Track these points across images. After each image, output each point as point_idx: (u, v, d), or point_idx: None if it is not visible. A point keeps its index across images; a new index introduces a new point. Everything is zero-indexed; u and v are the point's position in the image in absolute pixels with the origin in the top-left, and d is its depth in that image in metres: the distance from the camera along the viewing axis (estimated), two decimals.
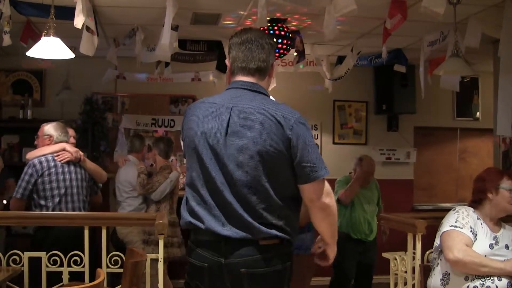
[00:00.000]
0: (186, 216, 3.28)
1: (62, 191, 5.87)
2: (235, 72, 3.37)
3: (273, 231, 3.13)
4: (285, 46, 7.11)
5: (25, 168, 5.90)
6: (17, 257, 5.17)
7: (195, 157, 3.24)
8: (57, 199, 5.84)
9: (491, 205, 4.54)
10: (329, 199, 3.25)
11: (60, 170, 5.93)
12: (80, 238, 5.19)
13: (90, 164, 6.22)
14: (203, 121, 3.23)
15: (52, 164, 5.93)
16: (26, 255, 5.19)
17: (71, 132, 6.52)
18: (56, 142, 6.08)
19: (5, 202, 6.90)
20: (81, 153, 6.10)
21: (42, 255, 5.19)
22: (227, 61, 3.43)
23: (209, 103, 3.28)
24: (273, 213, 3.14)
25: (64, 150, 6.01)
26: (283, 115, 3.14)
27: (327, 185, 3.24)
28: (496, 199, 4.52)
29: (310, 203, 3.25)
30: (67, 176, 5.94)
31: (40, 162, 5.91)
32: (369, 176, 7.52)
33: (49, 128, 6.18)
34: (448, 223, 4.39)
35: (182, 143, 3.41)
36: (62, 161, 5.96)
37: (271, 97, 3.37)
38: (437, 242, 4.49)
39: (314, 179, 3.16)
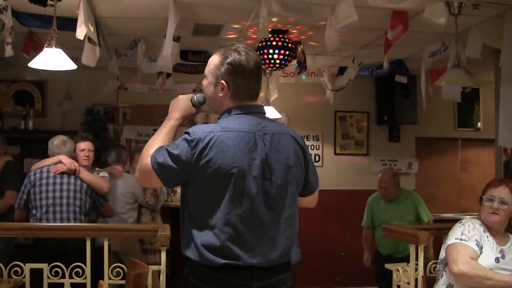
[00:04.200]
0: (213, 254, 3.00)
1: (50, 201, 5.99)
2: (241, 97, 3.16)
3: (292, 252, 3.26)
4: (286, 57, 7.11)
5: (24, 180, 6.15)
6: (18, 269, 5.16)
7: (231, 189, 3.00)
8: (44, 209, 5.97)
9: (481, 216, 4.50)
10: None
11: (51, 181, 6.07)
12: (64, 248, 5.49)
13: (87, 176, 6.24)
14: (241, 151, 3.01)
15: (44, 175, 6.09)
16: (27, 267, 5.18)
17: (84, 145, 6.59)
18: (53, 154, 6.20)
19: None
20: (76, 164, 6.16)
21: (44, 266, 5.18)
22: (224, 83, 3.13)
23: (238, 132, 3.05)
24: (294, 234, 3.23)
25: (60, 162, 6.13)
26: (300, 139, 3.29)
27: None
28: (481, 210, 4.48)
29: (307, 207, 3.50)
30: (57, 187, 6.04)
31: (35, 174, 6.13)
32: (381, 190, 7.44)
33: (49, 141, 6.39)
34: (453, 236, 4.37)
35: (173, 171, 3.02)
36: (56, 173, 6.06)
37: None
38: (442, 254, 4.47)
39: (315, 191, 3.44)
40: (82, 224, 5.88)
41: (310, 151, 9.90)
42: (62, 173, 6.10)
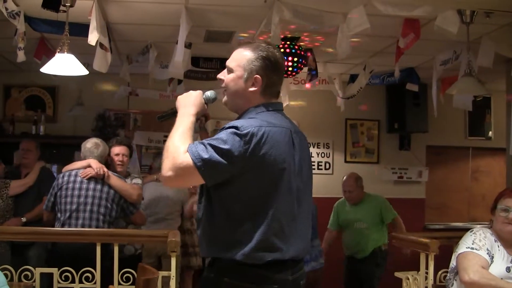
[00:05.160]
0: (261, 251, 2.98)
1: (74, 206, 5.83)
2: (271, 93, 3.19)
3: None
4: (297, 64, 7.11)
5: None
6: (28, 273, 5.17)
7: (281, 184, 3.01)
8: (68, 214, 5.82)
9: (494, 226, 4.49)
10: None
11: (77, 185, 5.91)
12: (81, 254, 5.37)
13: (115, 182, 5.99)
14: (286, 147, 3.04)
15: (72, 179, 5.95)
16: (37, 271, 5.20)
17: (118, 149, 6.52)
18: (85, 158, 6.10)
19: (24, 219, 6.89)
20: (105, 170, 5.96)
21: (54, 271, 5.19)
22: (259, 77, 3.11)
23: (282, 128, 3.07)
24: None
25: (89, 166, 5.98)
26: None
27: None
28: (495, 220, 4.47)
29: None
30: (83, 192, 5.88)
31: (63, 176, 6.00)
32: (346, 194, 7.82)
33: (82, 144, 6.27)
34: (464, 245, 4.35)
35: (235, 165, 2.93)
36: (84, 177, 5.92)
37: None
38: (453, 263, 4.46)
39: None
40: (92, 229, 5.80)
41: (320, 159, 10.10)
42: (90, 178, 5.93)
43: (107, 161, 6.38)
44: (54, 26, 6.17)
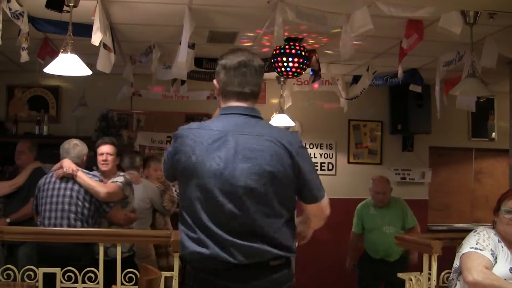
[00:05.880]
0: (189, 244, 3.28)
1: (48, 206, 5.85)
2: (227, 96, 3.35)
3: (279, 252, 3.22)
4: (301, 65, 7.11)
5: None
6: (31, 273, 5.18)
7: (197, 185, 3.21)
8: (42, 215, 5.88)
9: (498, 227, 4.48)
10: (329, 210, 3.48)
11: (51, 186, 5.94)
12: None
13: (82, 180, 5.92)
14: (208, 148, 3.19)
15: (48, 180, 5.99)
16: (41, 271, 5.20)
17: (102, 149, 6.39)
18: (62, 158, 6.09)
19: (8, 220, 6.88)
20: (74, 168, 5.93)
21: (57, 271, 5.19)
22: (215, 82, 3.38)
23: (211, 130, 3.25)
24: (281, 234, 3.23)
25: (61, 166, 6.00)
26: (289, 140, 3.23)
27: (326, 198, 3.44)
28: (498, 222, 4.47)
29: (314, 218, 3.51)
30: (55, 192, 5.89)
31: (44, 178, 6.06)
32: (379, 196, 7.71)
33: (61, 145, 6.26)
34: (468, 245, 4.35)
35: (168, 165, 3.41)
36: (57, 178, 5.94)
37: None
38: (456, 263, 4.45)
39: (321, 199, 3.38)
40: (95, 229, 5.83)
41: (323, 160, 10.08)
42: (62, 178, 5.93)
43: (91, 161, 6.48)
44: (58, 26, 6.18)
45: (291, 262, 3.35)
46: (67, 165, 5.96)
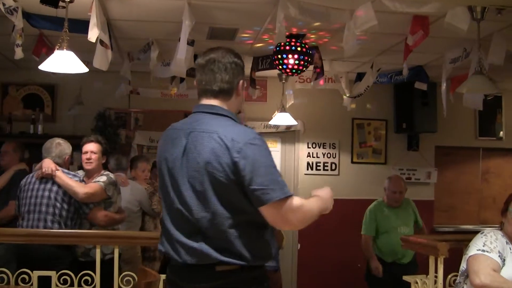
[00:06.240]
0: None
1: (26, 208, 5.85)
2: (199, 94, 3.46)
3: (225, 258, 3.16)
4: (303, 63, 7.10)
5: None
6: (26, 276, 5.17)
7: (160, 182, 3.43)
8: (22, 216, 5.88)
9: (506, 229, 4.47)
10: (293, 216, 3.17)
11: (31, 187, 5.92)
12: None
13: (60, 180, 5.88)
14: (166, 147, 3.39)
15: (29, 180, 5.99)
16: (35, 274, 5.19)
17: (86, 147, 6.29)
18: (43, 158, 6.07)
19: None
20: (53, 168, 5.89)
21: (52, 274, 5.19)
22: (195, 82, 3.49)
23: (173, 129, 3.43)
24: (227, 238, 3.16)
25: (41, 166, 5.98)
26: (233, 137, 3.15)
27: (288, 204, 3.13)
28: (506, 223, 4.46)
29: (273, 223, 3.23)
30: (34, 193, 5.88)
31: (25, 178, 6.06)
32: (395, 195, 7.72)
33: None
34: (475, 247, 4.34)
35: None
36: (37, 178, 5.93)
37: (241, 118, 3.48)
38: (463, 266, 4.45)
39: (267, 202, 3.09)
40: (92, 231, 5.84)
41: (326, 159, 10.07)
42: (42, 178, 5.91)
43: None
44: (53, 22, 6.17)
45: (252, 271, 3.23)
46: (46, 165, 5.93)
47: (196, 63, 3.46)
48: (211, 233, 3.16)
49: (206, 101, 3.39)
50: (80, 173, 6.36)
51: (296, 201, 3.15)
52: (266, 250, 3.31)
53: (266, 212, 3.12)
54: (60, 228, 5.77)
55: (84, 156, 6.31)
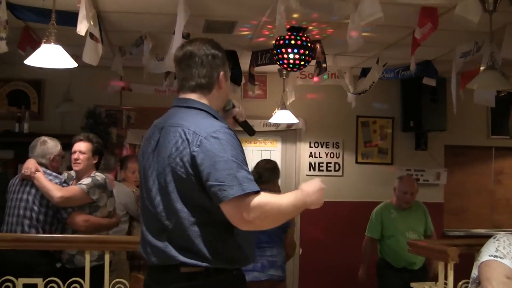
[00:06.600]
0: None
1: (7, 211, 5.87)
2: (178, 89, 3.52)
3: (187, 259, 3.15)
4: (304, 57, 7.09)
5: None
6: (10, 284, 5.17)
7: (140, 181, 3.53)
8: (3, 220, 5.88)
9: None
10: (252, 215, 3.04)
11: (14, 189, 5.94)
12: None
13: (39, 183, 5.83)
14: (144, 144, 3.48)
15: (14, 182, 6.01)
16: (20, 282, 5.19)
17: (74, 147, 6.18)
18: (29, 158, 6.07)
19: None
20: (33, 170, 5.85)
21: (39, 281, 5.19)
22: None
23: (152, 126, 3.49)
24: (189, 237, 3.14)
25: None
26: (195, 130, 3.14)
27: (247, 202, 3.03)
28: None
29: (235, 225, 3.12)
30: (15, 196, 5.89)
31: (12, 180, 6.08)
32: (406, 196, 7.65)
33: None
34: (487, 253, 4.33)
35: None
36: (20, 180, 5.93)
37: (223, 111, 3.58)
38: (474, 273, 4.44)
39: (224, 200, 3.02)
40: (82, 235, 5.76)
41: (329, 160, 10.07)
42: (23, 180, 5.90)
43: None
44: (40, 14, 6.16)
45: (219, 275, 3.19)
46: (26, 165, 5.91)
47: (174, 57, 3.53)
48: (174, 231, 3.17)
49: (182, 95, 3.44)
50: (72, 174, 6.33)
51: (258, 198, 3.05)
52: (234, 252, 3.26)
53: (225, 210, 3.06)
54: (38, 233, 5.75)
55: (72, 157, 6.21)
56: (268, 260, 6.08)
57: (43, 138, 6.23)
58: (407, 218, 7.68)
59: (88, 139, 6.26)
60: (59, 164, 6.37)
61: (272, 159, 7.20)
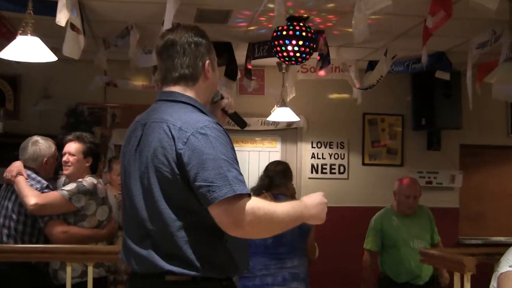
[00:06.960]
0: None
1: None
2: (161, 82, 3.51)
3: (173, 267, 3.12)
4: (306, 50, 7.09)
5: None
6: None
7: (121, 182, 3.53)
8: None
9: None
10: (242, 220, 3.00)
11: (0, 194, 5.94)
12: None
13: (16, 189, 5.73)
14: (125, 142, 3.47)
15: (2, 188, 5.98)
16: None
17: (64, 148, 6.03)
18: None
19: None
20: (14, 174, 5.76)
21: None
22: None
23: (134, 122, 3.49)
24: (175, 243, 3.12)
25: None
26: (181, 126, 3.13)
27: (239, 204, 2.98)
28: None
29: (224, 230, 3.06)
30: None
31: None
32: (409, 200, 7.43)
33: None
34: (507, 263, 4.34)
35: None
36: (5, 184, 5.90)
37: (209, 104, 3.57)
38: (493, 284, 4.45)
39: (213, 202, 2.97)
40: (63, 246, 5.65)
41: (333, 161, 10.08)
42: (8, 185, 5.86)
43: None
44: (15, 3, 6.15)
45: (207, 283, 3.17)
46: (9, 168, 5.84)
47: (155, 47, 3.51)
48: (158, 237, 3.14)
49: (167, 88, 3.42)
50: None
51: (251, 202, 3.01)
52: (224, 259, 3.23)
53: (213, 212, 3.01)
54: (16, 244, 5.68)
55: (63, 159, 6.05)
56: (289, 272, 5.97)
57: (35, 138, 6.12)
58: (411, 225, 7.41)
59: (79, 139, 6.08)
60: (53, 167, 6.30)
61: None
